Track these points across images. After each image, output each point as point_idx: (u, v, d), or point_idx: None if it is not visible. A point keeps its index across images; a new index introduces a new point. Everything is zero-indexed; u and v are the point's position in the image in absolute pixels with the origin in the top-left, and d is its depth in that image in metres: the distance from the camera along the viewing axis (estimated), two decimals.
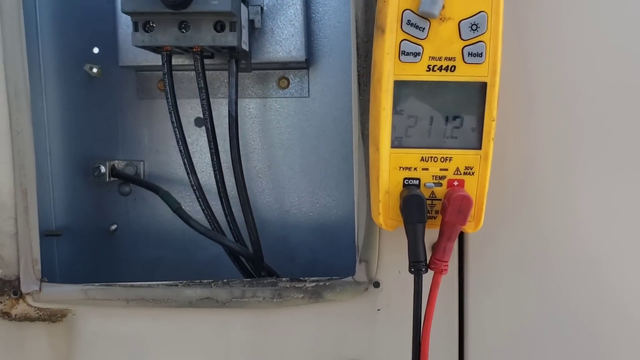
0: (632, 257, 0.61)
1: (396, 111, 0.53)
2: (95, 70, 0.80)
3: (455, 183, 0.55)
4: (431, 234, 0.55)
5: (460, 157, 0.54)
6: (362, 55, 0.59)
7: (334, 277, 0.63)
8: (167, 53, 0.67)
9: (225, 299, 0.63)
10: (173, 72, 0.70)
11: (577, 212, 0.61)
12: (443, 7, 0.51)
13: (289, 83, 0.81)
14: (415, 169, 0.55)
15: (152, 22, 0.64)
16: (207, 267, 0.83)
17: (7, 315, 0.65)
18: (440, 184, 0.55)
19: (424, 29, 0.51)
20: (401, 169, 0.55)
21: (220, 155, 0.72)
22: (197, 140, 0.82)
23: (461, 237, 0.62)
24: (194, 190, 0.71)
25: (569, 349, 0.63)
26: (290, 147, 0.82)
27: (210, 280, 0.65)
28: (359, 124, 0.60)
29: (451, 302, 0.63)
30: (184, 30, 0.64)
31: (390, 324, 0.64)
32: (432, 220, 0.56)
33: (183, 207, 0.72)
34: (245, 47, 0.69)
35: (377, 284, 0.63)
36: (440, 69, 0.52)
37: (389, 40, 0.52)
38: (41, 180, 0.81)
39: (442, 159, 0.54)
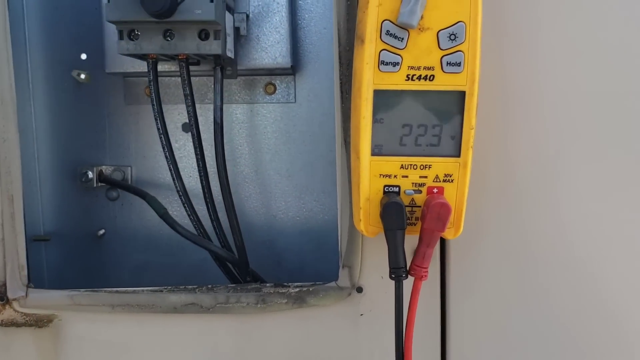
0: (614, 258, 0.62)
1: (376, 120, 0.54)
2: (83, 76, 0.80)
3: (435, 190, 0.56)
4: (412, 240, 0.56)
5: (440, 165, 0.55)
6: (344, 63, 0.60)
7: (317, 283, 0.64)
8: (152, 60, 0.68)
9: (210, 304, 0.64)
10: (160, 78, 0.71)
11: (558, 216, 0.62)
12: (422, 17, 0.51)
13: (275, 89, 0.82)
14: (395, 176, 0.55)
15: (137, 31, 0.64)
16: (195, 271, 0.84)
17: None
18: (420, 191, 0.56)
19: (402, 39, 0.52)
20: (381, 176, 0.55)
21: (208, 160, 0.73)
22: (185, 145, 0.83)
23: (443, 242, 0.63)
24: (179, 195, 0.71)
25: (551, 352, 0.64)
26: (277, 152, 0.83)
27: (195, 286, 0.65)
28: (342, 131, 0.61)
29: (433, 307, 0.64)
30: (168, 38, 0.65)
31: (373, 328, 0.64)
32: (412, 227, 0.56)
33: (170, 212, 0.73)
34: (230, 54, 0.70)
35: (360, 289, 0.63)
36: (419, 78, 0.53)
37: (369, 50, 0.52)
38: (29, 186, 0.81)
39: (422, 167, 0.55)
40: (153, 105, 0.69)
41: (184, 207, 0.72)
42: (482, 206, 0.61)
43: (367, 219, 0.57)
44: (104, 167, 0.83)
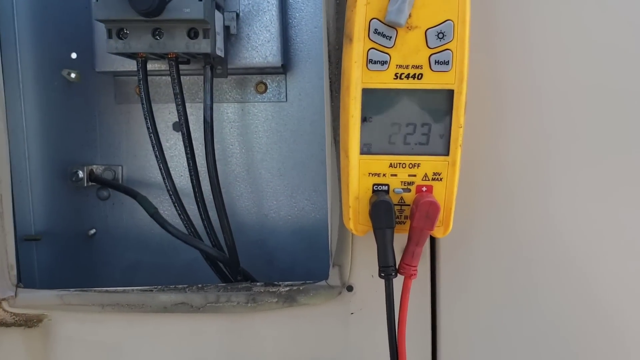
0: (604, 257, 0.62)
1: (364, 118, 0.54)
2: (73, 75, 0.80)
3: (424, 189, 0.56)
4: (402, 239, 0.56)
5: (429, 164, 0.55)
6: (333, 62, 0.60)
7: (307, 282, 0.64)
8: (142, 59, 0.68)
9: (200, 304, 0.64)
10: (150, 77, 0.71)
11: (547, 214, 0.62)
12: (410, 16, 0.51)
13: (266, 88, 0.82)
14: (384, 175, 0.55)
15: (126, 30, 0.64)
16: (186, 270, 0.84)
17: None
18: (409, 190, 0.56)
19: (391, 37, 0.52)
20: (370, 175, 0.55)
21: (198, 160, 0.73)
22: (175, 144, 0.83)
23: (432, 241, 0.63)
24: (170, 195, 0.71)
25: (542, 351, 0.64)
26: (268, 151, 0.83)
27: (185, 286, 0.65)
28: (332, 130, 0.61)
29: (424, 305, 0.64)
30: (157, 37, 0.64)
31: (363, 327, 0.64)
32: (402, 226, 0.56)
33: (161, 212, 0.73)
34: (220, 53, 0.70)
35: (350, 288, 0.64)
36: (407, 76, 0.53)
37: (357, 49, 0.52)
38: (19, 185, 0.81)
39: (411, 165, 0.55)
40: (143, 104, 0.69)
41: (175, 206, 0.72)
42: (472, 204, 0.61)
43: (357, 217, 0.57)
44: (94, 166, 0.83)
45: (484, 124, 0.60)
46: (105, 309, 0.64)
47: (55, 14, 0.81)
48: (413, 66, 0.53)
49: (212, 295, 0.64)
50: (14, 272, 0.65)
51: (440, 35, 0.52)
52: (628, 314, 0.63)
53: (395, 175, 0.55)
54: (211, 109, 0.71)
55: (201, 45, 0.65)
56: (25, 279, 0.67)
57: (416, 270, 0.56)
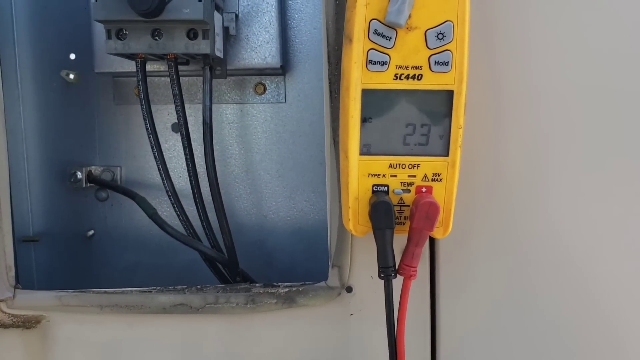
0: (604, 257, 0.62)
1: (364, 119, 0.54)
2: (72, 76, 0.80)
3: (423, 190, 0.56)
4: (401, 240, 0.56)
5: (428, 164, 0.55)
6: (332, 63, 0.60)
7: (307, 283, 0.64)
8: (141, 60, 0.67)
9: (199, 305, 0.64)
10: (149, 78, 0.71)
11: (547, 214, 0.62)
12: (409, 16, 0.51)
13: (265, 89, 0.82)
14: (383, 175, 0.55)
15: (125, 30, 0.64)
16: (185, 271, 0.84)
17: None
18: (409, 191, 0.56)
19: (390, 38, 0.52)
20: (370, 175, 0.55)
21: (197, 161, 0.73)
22: (174, 145, 0.83)
23: (432, 242, 0.63)
24: (169, 196, 0.71)
25: (541, 351, 0.64)
26: (267, 152, 0.83)
27: (184, 287, 0.65)
28: (331, 131, 0.61)
29: (423, 306, 0.64)
30: (157, 37, 0.64)
31: (363, 328, 0.64)
32: (401, 226, 0.56)
33: (160, 213, 0.73)
34: (219, 54, 0.70)
35: (349, 289, 0.63)
36: (407, 77, 0.53)
37: (357, 50, 0.52)
38: (18, 186, 0.81)
39: (410, 166, 0.55)
40: (142, 105, 0.69)
41: (173, 207, 0.72)
42: (471, 205, 0.61)
43: (356, 218, 0.57)
44: (93, 167, 0.83)
45: (484, 125, 0.60)
46: (103, 310, 0.64)
47: (54, 15, 0.81)
48: (413, 67, 0.53)
49: (211, 296, 0.64)
50: (12, 273, 0.65)
51: (440, 36, 0.52)
52: (627, 315, 0.63)
53: (395, 175, 0.55)
54: (210, 110, 0.71)
55: (200, 46, 0.65)
56: (24, 280, 0.67)
57: (416, 271, 0.56)
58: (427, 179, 0.55)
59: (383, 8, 0.51)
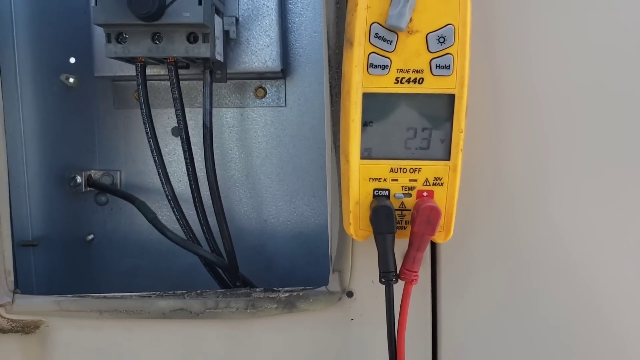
0: (605, 261, 0.62)
1: (365, 123, 0.54)
2: (71, 80, 0.80)
3: (425, 194, 0.55)
4: (403, 244, 0.56)
5: (429, 168, 0.55)
6: (333, 66, 0.60)
7: (307, 287, 0.64)
8: (141, 64, 0.67)
9: (199, 309, 0.63)
10: (149, 82, 0.71)
11: (548, 219, 0.62)
12: (410, 20, 0.51)
13: (265, 93, 0.81)
14: (384, 179, 0.55)
15: (125, 34, 0.64)
16: (185, 276, 0.83)
17: None
18: (410, 195, 0.55)
19: (391, 41, 0.52)
20: (371, 179, 0.55)
21: (198, 165, 0.73)
22: (175, 149, 0.82)
23: (433, 246, 0.63)
24: (168, 200, 0.71)
25: (543, 356, 0.64)
26: (267, 156, 0.83)
27: (184, 292, 0.65)
28: (332, 135, 0.61)
29: (424, 311, 0.64)
30: (157, 41, 0.64)
31: (363, 333, 0.64)
32: (402, 231, 0.56)
33: (160, 217, 0.72)
34: (219, 57, 0.70)
35: (350, 294, 0.63)
36: (408, 81, 0.53)
37: (357, 53, 0.52)
38: (17, 190, 0.81)
39: (412, 170, 0.55)
40: (142, 108, 0.68)
41: (173, 211, 0.72)
42: (473, 210, 0.61)
43: (357, 222, 0.56)
44: (93, 171, 0.83)
45: (485, 129, 0.60)
46: (103, 315, 0.64)
47: (54, 18, 0.81)
48: (414, 70, 0.52)
49: (211, 301, 0.63)
50: (11, 277, 0.65)
51: (441, 40, 0.52)
52: (628, 319, 0.63)
53: (396, 180, 0.55)
54: (210, 113, 0.71)
55: (200, 50, 0.65)
56: (23, 284, 0.67)
57: (417, 275, 0.55)
58: (428, 183, 0.55)
59: (384, 11, 0.51)
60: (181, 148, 0.71)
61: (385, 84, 0.53)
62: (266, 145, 0.83)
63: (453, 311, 0.63)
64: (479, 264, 0.62)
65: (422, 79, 0.53)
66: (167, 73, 0.68)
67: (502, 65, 0.59)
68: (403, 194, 0.55)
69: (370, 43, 0.52)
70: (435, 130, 0.54)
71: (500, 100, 0.60)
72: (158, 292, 0.65)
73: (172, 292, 0.65)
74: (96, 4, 0.61)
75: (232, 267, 0.73)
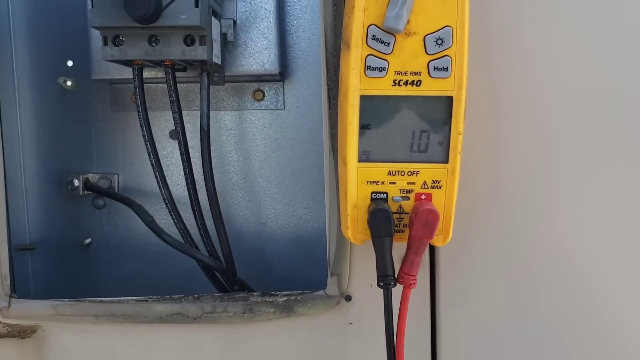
0: (607, 264, 0.61)
1: (363, 125, 0.53)
2: (69, 83, 0.79)
3: (423, 197, 0.55)
4: (401, 248, 0.55)
5: (428, 171, 0.54)
6: (331, 69, 0.59)
7: (305, 291, 0.63)
8: (138, 67, 0.67)
9: (196, 314, 0.63)
10: (147, 84, 0.70)
11: (548, 221, 0.61)
12: (408, 22, 0.51)
13: (264, 95, 0.81)
14: (382, 182, 0.55)
15: (122, 36, 0.64)
16: (183, 279, 0.83)
17: None
18: (408, 198, 0.55)
19: (389, 44, 0.51)
20: (369, 183, 0.55)
21: (195, 168, 0.72)
22: (172, 152, 0.82)
23: (432, 250, 0.62)
24: (166, 203, 0.71)
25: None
26: (266, 159, 0.82)
27: (181, 296, 0.64)
28: (329, 138, 0.60)
29: (423, 315, 0.63)
30: (153, 44, 0.64)
31: (362, 337, 0.63)
32: (401, 234, 0.56)
33: (158, 220, 0.72)
34: (217, 60, 0.69)
35: (348, 298, 0.63)
36: (406, 83, 0.52)
37: (355, 55, 0.52)
38: (15, 194, 0.80)
39: (409, 173, 0.54)
40: (139, 111, 0.68)
41: (171, 215, 0.71)
42: (472, 212, 0.61)
43: (355, 226, 0.56)
44: (90, 175, 0.82)
45: (484, 131, 0.60)
46: (100, 319, 0.63)
47: (52, 21, 0.81)
48: (412, 73, 0.52)
49: (208, 305, 0.63)
50: (8, 282, 0.65)
51: (439, 42, 0.51)
52: (631, 323, 0.62)
53: (394, 183, 0.55)
54: (208, 116, 0.70)
55: (197, 52, 0.64)
56: (20, 289, 0.66)
57: (415, 279, 0.55)
58: (426, 186, 0.55)
59: (381, 13, 0.51)
60: (178, 151, 0.71)
61: (382, 87, 0.52)
62: (264, 148, 0.82)
63: (452, 315, 0.63)
64: (478, 267, 0.62)
65: (420, 81, 0.52)
66: (164, 75, 0.68)
67: (500, 67, 0.59)
68: (401, 197, 0.55)
69: (368, 45, 0.52)
70: (433, 133, 0.54)
71: (498, 103, 0.60)
72: (155, 297, 0.64)
73: (169, 296, 0.64)
74: (93, 6, 0.61)
75: (230, 270, 0.72)
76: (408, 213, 0.55)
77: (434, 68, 0.52)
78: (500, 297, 0.62)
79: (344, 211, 0.56)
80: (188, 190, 0.72)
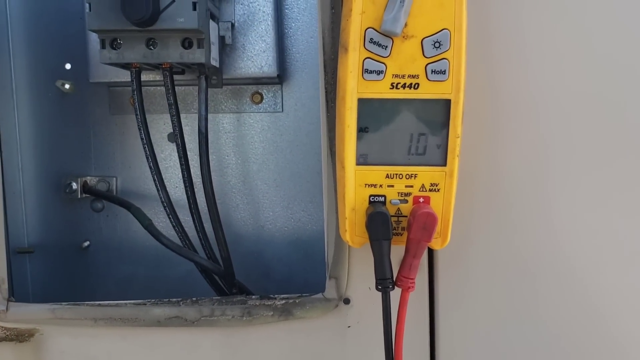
0: (605, 267, 0.61)
1: (360, 129, 0.53)
2: (67, 86, 0.79)
3: (421, 200, 0.55)
4: (399, 251, 0.55)
5: (426, 174, 0.54)
6: (329, 72, 0.59)
7: (304, 294, 0.63)
8: (135, 70, 0.67)
9: (194, 317, 0.63)
10: (145, 87, 0.70)
11: (547, 224, 0.61)
12: (405, 25, 0.51)
13: (262, 98, 0.81)
14: (380, 186, 0.55)
15: (120, 40, 0.64)
16: (182, 283, 0.83)
17: None
18: (406, 201, 0.55)
19: (386, 47, 0.51)
20: (367, 186, 0.55)
21: (194, 171, 0.72)
22: (170, 155, 0.82)
23: (430, 253, 0.62)
24: (164, 206, 0.71)
25: None
26: (264, 162, 0.82)
27: (179, 299, 0.64)
28: (328, 141, 0.60)
29: (422, 318, 0.63)
30: (151, 47, 0.64)
31: (360, 340, 0.63)
32: (399, 237, 0.55)
33: (156, 223, 0.72)
34: (215, 63, 0.69)
35: (347, 301, 0.63)
36: (403, 86, 0.52)
37: (352, 59, 0.52)
38: (12, 197, 0.80)
39: (408, 176, 0.54)
40: (137, 114, 0.68)
41: (169, 218, 0.71)
42: (470, 215, 0.61)
43: (353, 229, 0.56)
44: (88, 177, 0.82)
45: (482, 134, 0.60)
46: (98, 323, 0.63)
47: (50, 24, 0.81)
48: (409, 76, 0.52)
49: (206, 308, 0.63)
50: (6, 285, 0.64)
51: (437, 45, 0.51)
52: (630, 325, 0.62)
53: (392, 186, 0.55)
54: (206, 119, 0.70)
55: (195, 55, 0.64)
56: (18, 292, 0.66)
57: (414, 282, 0.55)
58: (424, 189, 0.55)
59: (379, 16, 0.51)
60: (176, 154, 0.71)
61: (380, 90, 0.52)
62: (263, 151, 0.82)
63: (451, 318, 0.63)
64: (476, 270, 0.62)
65: (418, 84, 0.52)
66: (162, 78, 0.68)
67: (498, 70, 0.59)
68: (399, 200, 0.55)
69: (365, 48, 0.52)
70: (431, 136, 0.54)
71: (496, 105, 0.59)
72: (153, 300, 0.64)
73: (167, 299, 0.64)
74: (90, 9, 0.61)
75: (229, 273, 0.72)
76: (406, 216, 0.55)
77: (432, 71, 0.52)
78: (499, 299, 0.62)
79: (342, 214, 0.56)
80: (186, 193, 0.71)
